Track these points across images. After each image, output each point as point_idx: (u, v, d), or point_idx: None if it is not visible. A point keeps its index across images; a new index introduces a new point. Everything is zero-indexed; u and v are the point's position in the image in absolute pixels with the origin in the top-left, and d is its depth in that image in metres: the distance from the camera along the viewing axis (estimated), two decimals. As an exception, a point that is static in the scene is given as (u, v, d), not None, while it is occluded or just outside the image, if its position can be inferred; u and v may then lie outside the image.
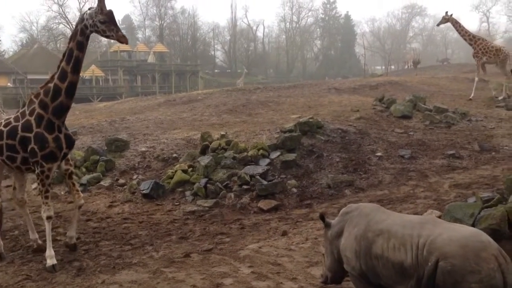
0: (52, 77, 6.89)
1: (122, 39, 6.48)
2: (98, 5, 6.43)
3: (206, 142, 12.09)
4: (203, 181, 10.53)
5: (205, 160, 11.08)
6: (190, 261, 6.92)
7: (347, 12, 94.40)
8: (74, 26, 6.84)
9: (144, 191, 10.59)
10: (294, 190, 10.38)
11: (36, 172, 6.91)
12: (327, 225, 5.17)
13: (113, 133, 14.58)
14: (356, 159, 11.80)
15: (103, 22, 6.42)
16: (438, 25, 21.41)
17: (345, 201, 9.77)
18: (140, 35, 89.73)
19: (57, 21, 75.42)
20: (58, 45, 78.21)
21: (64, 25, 75.55)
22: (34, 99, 6.94)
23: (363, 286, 4.72)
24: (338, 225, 5.00)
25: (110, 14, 6.44)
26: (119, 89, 57.35)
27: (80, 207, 7.68)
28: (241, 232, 8.38)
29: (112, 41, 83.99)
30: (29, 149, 6.82)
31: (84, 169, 12.05)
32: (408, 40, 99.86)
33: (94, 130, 15.84)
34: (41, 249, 7.46)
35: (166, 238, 8.15)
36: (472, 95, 19.28)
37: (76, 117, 19.50)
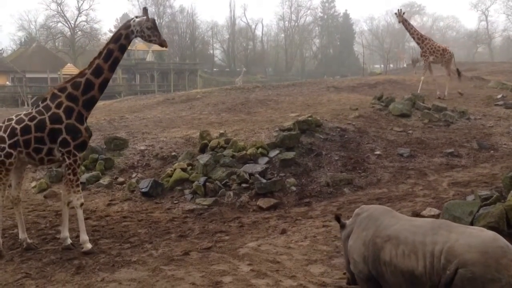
0: (81, 73, 7.38)
1: (164, 43, 7.45)
2: (144, 14, 7.30)
3: (205, 141, 12.09)
4: (202, 179, 10.54)
5: (204, 158, 11.09)
6: (189, 259, 6.93)
7: (346, 10, 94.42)
8: (115, 30, 7.76)
9: (143, 190, 10.60)
10: (293, 188, 10.39)
11: (67, 162, 7.27)
12: (342, 226, 5.09)
13: (112, 132, 14.58)
14: (355, 157, 11.81)
15: (149, 28, 7.29)
16: (399, 22, 20.33)
17: (344, 200, 9.80)
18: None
19: (55, 20, 75.03)
20: (56, 44, 77.99)
21: (63, 23, 75.22)
22: (59, 93, 7.30)
23: None
24: (350, 226, 4.91)
25: (154, 21, 7.38)
26: (117, 87, 57.23)
27: (69, 203, 7.71)
28: (240, 230, 8.39)
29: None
30: (60, 139, 7.19)
31: (83, 168, 12.04)
32: (407, 39, 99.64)
33: (93, 129, 15.74)
34: (31, 248, 7.53)
35: (165, 236, 8.16)
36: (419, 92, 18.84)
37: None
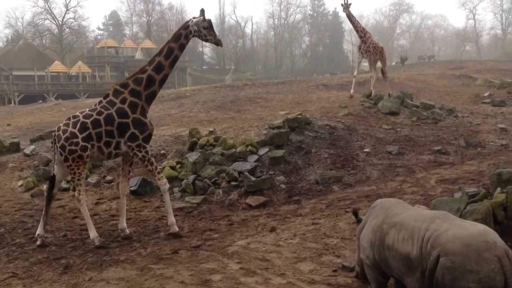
0: (142, 70, 7.77)
1: (220, 42, 7.96)
2: (201, 14, 7.81)
3: (194, 139, 12.05)
4: (191, 177, 10.49)
5: (193, 156, 11.05)
6: (178, 258, 6.90)
7: (335, 8, 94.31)
8: (175, 30, 8.07)
9: (131, 188, 10.50)
10: (283, 186, 10.40)
11: (140, 155, 7.65)
12: (359, 221, 5.24)
13: (100, 130, 14.44)
14: (344, 155, 11.85)
15: (205, 28, 7.74)
16: (346, 14, 18.24)
17: (333, 197, 9.82)
18: (127, 31, 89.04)
19: (42, 17, 74.29)
20: (43, 41, 77.17)
21: (50, 21, 74.50)
22: (122, 89, 7.60)
23: (375, 276, 4.83)
24: (364, 220, 5.09)
25: (210, 22, 7.85)
26: (106, 85, 56.84)
27: (127, 195, 8.22)
28: (229, 229, 8.37)
29: (98, 37, 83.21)
30: (128, 134, 7.48)
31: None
32: (396, 37, 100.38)
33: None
34: (45, 245, 7.53)
35: (154, 235, 8.11)
36: (352, 91, 18.05)
37: (63, 114, 19.31)
